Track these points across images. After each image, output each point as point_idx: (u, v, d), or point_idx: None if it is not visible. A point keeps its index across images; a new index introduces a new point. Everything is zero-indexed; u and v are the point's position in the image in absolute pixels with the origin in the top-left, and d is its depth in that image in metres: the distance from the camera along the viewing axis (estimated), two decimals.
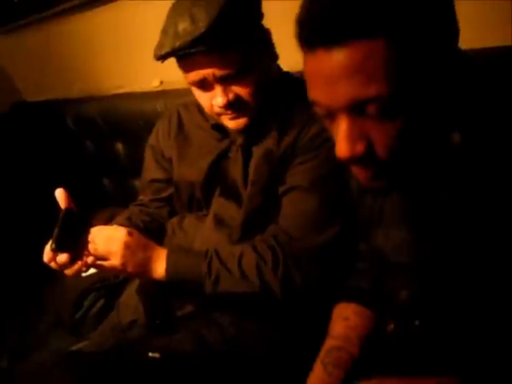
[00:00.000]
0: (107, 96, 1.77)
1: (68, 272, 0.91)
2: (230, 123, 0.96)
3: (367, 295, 0.89)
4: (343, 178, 0.93)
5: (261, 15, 0.92)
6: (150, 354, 0.88)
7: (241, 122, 0.95)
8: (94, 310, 1.35)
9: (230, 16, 0.83)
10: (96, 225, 0.96)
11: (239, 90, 0.90)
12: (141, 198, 1.23)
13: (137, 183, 1.70)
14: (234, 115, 0.94)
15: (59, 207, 0.90)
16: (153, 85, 1.73)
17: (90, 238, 0.91)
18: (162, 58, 0.87)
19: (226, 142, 1.04)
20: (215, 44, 0.83)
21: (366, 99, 0.50)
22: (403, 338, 0.80)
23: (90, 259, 0.89)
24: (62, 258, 0.87)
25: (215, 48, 0.84)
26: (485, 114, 0.60)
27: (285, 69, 1.06)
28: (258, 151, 0.98)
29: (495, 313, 0.65)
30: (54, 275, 1.03)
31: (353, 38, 0.49)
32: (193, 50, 0.83)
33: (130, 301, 1.09)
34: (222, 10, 0.82)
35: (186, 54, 0.85)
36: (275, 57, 0.98)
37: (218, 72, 0.87)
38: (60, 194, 0.91)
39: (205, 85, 0.91)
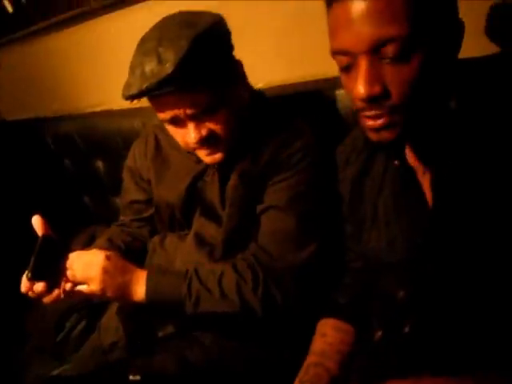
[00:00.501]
0: (85, 114, 1.76)
1: (46, 300, 0.90)
2: (206, 158, 0.96)
3: (346, 310, 0.90)
4: (325, 192, 0.94)
5: (230, 48, 0.92)
6: (131, 377, 0.88)
7: (217, 157, 0.95)
8: (76, 331, 1.33)
9: (197, 55, 0.83)
10: (76, 248, 0.96)
11: (212, 125, 0.90)
12: (122, 218, 1.24)
13: (118, 201, 1.69)
14: (209, 151, 0.94)
15: (36, 234, 0.89)
16: (131, 102, 1.72)
17: (68, 264, 0.91)
18: (130, 98, 0.87)
19: (202, 164, 1.04)
20: (183, 84, 0.83)
21: (388, 38, 0.56)
22: (391, 345, 0.80)
23: (67, 286, 0.89)
24: (39, 286, 0.87)
25: (183, 88, 0.84)
26: (480, 85, 0.65)
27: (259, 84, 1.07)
28: (234, 173, 0.99)
29: (490, 313, 0.66)
30: (35, 300, 1.02)
31: None
32: (160, 92, 0.83)
33: (110, 322, 1.09)
34: (189, 49, 0.81)
35: (153, 96, 0.85)
36: (247, 86, 0.99)
37: (188, 110, 0.87)
38: (36, 221, 0.90)
39: (177, 122, 0.90)
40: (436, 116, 0.67)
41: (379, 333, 0.83)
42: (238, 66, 0.95)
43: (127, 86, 0.86)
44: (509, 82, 0.66)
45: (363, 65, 0.59)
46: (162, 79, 0.80)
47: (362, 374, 0.80)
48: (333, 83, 1.06)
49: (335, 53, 0.63)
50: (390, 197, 0.78)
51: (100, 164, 1.73)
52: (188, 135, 0.90)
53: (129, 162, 1.19)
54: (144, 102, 1.66)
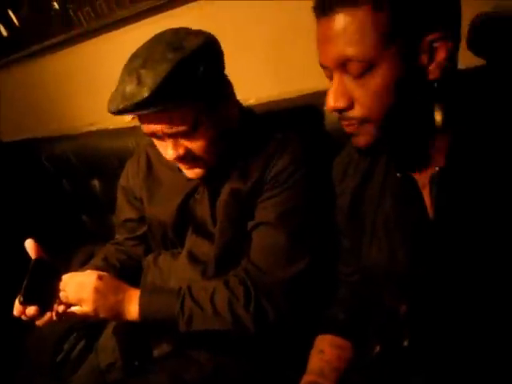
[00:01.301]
0: (80, 134, 1.77)
1: (39, 323, 0.90)
2: (187, 172, 0.98)
3: (343, 325, 0.89)
4: (317, 206, 0.95)
5: (220, 68, 0.93)
6: None
7: (197, 171, 0.96)
8: (75, 352, 1.33)
9: (178, 80, 0.83)
10: (75, 267, 0.96)
11: (190, 144, 0.91)
12: (116, 236, 1.24)
13: (115, 219, 1.70)
14: (188, 166, 0.95)
15: (30, 258, 0.90)
16: (125, 120, 1.74)
17: (61, 285, 0.91)
18: (111, 113, 0.88)
19: (193, 182, 1.05)
20: (160, 107, 0.84)
21: (347, 58, 0.63)
22: (390, 359, 0.80)
23: (60, 308, 0.89)
24: (31, 310, 0.87)
25: (160, 111, 0.85)
26: (467, 96, 0.68)
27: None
28: (224, 190, 0.99)
29: (491, 325, 0.67)
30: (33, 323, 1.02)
31: (341, 6, 0.61)
32: (136, 113, 0.85)
33: (107, 343, 1.09)
34: (169, 74, 0.82)
35: (132, 114, 0.86)
36: (236, 105, 1.00)
37: (166, 130, 0.88)
38: (29, 244, 0.91)
39: (157, 137, 0.92)
40: (421, 128, 0.69)
41: (377, 347, 0.83)
42: (227, 86, 0.96)
43: (111, 101, 0.87)
44: (496, 93, 0.67)
45: (334, 80, 0.66)
46: (138, 102, 0.82)
47: None
48: (321, 98, 1.07)
49: (320, 65, 0.69)
50: (391, 208, 0.78)
51: (96, 183, 1.74)
52: (166, 151, 0.92)
53: (122, 181, 1.20)
54: (137, 121, 1.69)
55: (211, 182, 1.01)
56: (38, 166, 1.87)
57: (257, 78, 1.10)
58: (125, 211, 1.19)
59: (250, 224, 0.97)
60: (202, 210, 1.03)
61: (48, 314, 0.90)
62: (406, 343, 0.77)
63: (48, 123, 2.03)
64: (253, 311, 0.89)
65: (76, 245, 1.82)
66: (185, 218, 1.05)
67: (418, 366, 0.76)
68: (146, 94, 0.81)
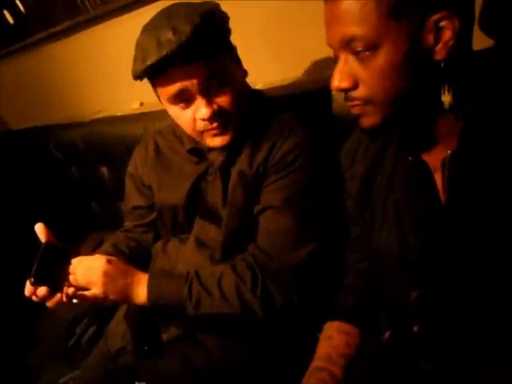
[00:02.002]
0: (88, 121, 1.77)
1: (49, 304, 0.92)
2: (215, 140, 0.96)
3: (352, 312, 0.89)
4: (324, 190, 0.94)
5: (230, 31, 0.94)
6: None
7: (226, 138, 0.96)
8: (87, 336, 1.35)
9: (208, 26, 0.86)
10: (84, 253, 0.98)
11: (222, 100, 0.91)
12: (126, 224, 1.25)
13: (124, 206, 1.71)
14: (219, 130, 0.94)
15: (40, 243, 0.91)
16: (133, 107, 1.74)
17: (71, 269, 0.92)
18: (147, 70, 0.86)
19: (203, 165, 1.05)
20: (197, 50, 0.85)
21: (350, 37, 0.62)
22: (400, 345, 0.80)
23: (70, 290, 0.90)
24: (42, 290, 0.89)
25: (198, 54, 0.85)
26: (479, 77, 0.67)
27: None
28: (234, 172, 0.99)
29: (501, 311, 0.66)
30: (44, 306, 1.04)
31: None
32: (174, 62, 0.84)
33: (117, 328, 1.10)
34: (201, 21, 0.85)
35: (168, 66, 0.85)
36: (245, 73, 1.00)
37: (200, 79, 0.87)
38: (39, 228, 0.92)
39: (186, 99, 0.91)
40: (429, 110, 0.68)
41: (388, 333, 0.83)
42: (235, 50, 0.98)
43: (141, 60, 0.87)
44: (509, 75, 0.66)
45: (339, 59, 0.66)
46: (182, 43, 0.82)
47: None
48: (328, 82, 1.06)
49: (328, 45, 0.69)
50: (401, 193, 0.77)
51: (105, 170, 1.74)
52: (198, 111, 0.91)
53: (130, 168, 1.21)
54: (146, 107, 1.69)
55: (222, 163, 1.01)
56: (46, 153, 1.88)
57: (257, 63, 1.09)
58: (133, 198, 1.19)
59: (257, 208, 0.97)
60: (214, 192, 1.02)
61: (58, 296, 0.91)
62: (416, 329, 0.77)
63: (56, 111, 2.04)
64: (260, 295, 0.89)
65: (85, 232, 1.84)
66: (195, 201, 1.05)
67: (428, 351, 0.76)
68: (185, 38, 0.82)
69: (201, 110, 0.90)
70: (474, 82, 0.66)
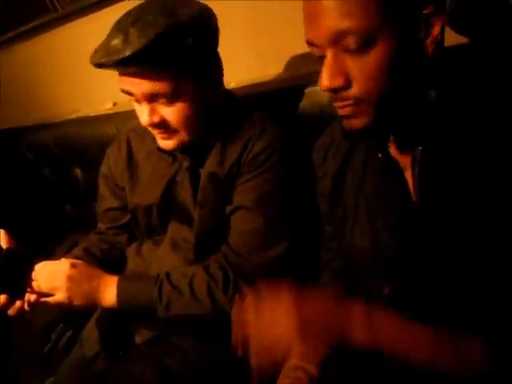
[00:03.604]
0: (60, 122, 1.74)
1: (10, 312, 0.90)
2: (161, 142, 0.96)
3: None
4: (296, 190, 0.94)
5: (212, 44, 0.91)
6: None
7: (168, 143, 0.95)
8: (63, 341, 1.33)
9: (165, 44, 0.82)
10: (56, 256, 0.96)
11: (166, 113, 0.89)
12: (99, 226, 1.23)
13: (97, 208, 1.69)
14: (161, 135, 0.93)
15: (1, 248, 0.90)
16: (106, 107, 1.71)
17: (34, 275, 0.91)
18: (93, 64, 0.86)
19: (175, 166, 1.04)
20: (139, 69, 0.83)
21: (345, 31, 0.57)
22: None
23: (32, 297, 0.88)
24: (1, 298, 0.87)
25: (140, 73, 0.84)
26: (459, 75, 0.65)
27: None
28: (203, 173, 0.98)
29: (474, 308, 0.66)
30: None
31: None
32: (117, 68, 0.84)
33: (92, 333, 1.08)
34: (157, 37, 0.80)
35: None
36: (221, 84, 0.98)
37: (144, 91, 0.86)
38: (0, 234, 0.91)
39: (135, 97, 0.90)
40: (415, 107, 0.66)
41: None
42: (217, 63, 0.95)
43: (94, 52, 0.86)
44: (480, 72, 0.66)
45: (327, 57, 0.61)
46: (118, 59, 0.81)
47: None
48: (302, 80, 1.06)
49: (308, 43, 0.64)
50: (373, 191, 0.77)
51: (78, 171, 1.72)
52: (141, 115, 0.90)
53: (103, 169, 1.18)
54: (120, 107, 1.66)
55: (191, 164, 0.99)
56: (19, 155, 1.85)
57: (236, 59, 1.08)
58: (107, 200, 1.17)
59: (228, 208, 0.96)
60: (184, 193, 1.01)
61: (19, 303, 0.89)
62: None
63: (28, 112, 2.00)
64: (231, 295, 0.88)
65: (61, 234, 1.81)
66: (168, 202, 1.04)
67: None
68: (128, 52, 0.80)
69: (142, 115, 0.90)
70: (447, 78, 0.66)
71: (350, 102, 0.62)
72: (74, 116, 1.76)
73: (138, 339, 1.00)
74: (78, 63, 1.71)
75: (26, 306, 0.89)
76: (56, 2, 1.56)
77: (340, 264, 0.90)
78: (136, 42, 0.80)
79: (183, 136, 0.93)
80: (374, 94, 0.61)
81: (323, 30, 0.59)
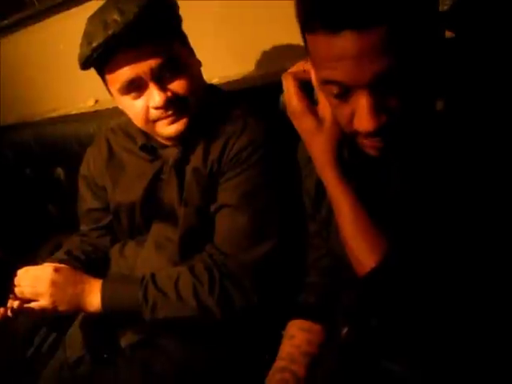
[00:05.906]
0: (40, 121, 1.71)
1: None
2: (169, 129, 0.93)
3: (314, 309, 0.88)
4: (281, 187, 0.92)
5: (180, 18, 0.93)
6: None
7: (180, 125, 0.92)
8: (46, 345, 1.31)
9: (156, 8, 0.84)
10: (40, 259, 0.94)
11: (176, 86, 0.89)
12: (81, 227, 1.20)
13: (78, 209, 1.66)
14: (173, 117, 0.91)
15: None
16: (88, 104, 1.68)
17: (16, 280, 0.88)
18: (93, 54, 0.83)
19: (158, 163, 1.02)
20: (146, 32, 0.83)
21: (387, 71, 0.54)
22: (359, 340, 0.80)
23: (15, 303, 0.86)
24: None
25: (146, 36, 0.83)
26: (466, 84, 0.64)
27: None
28: (189, 170, 0.97)
29: (455, 304, 0.65)
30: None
31: (377, 24, 0.52)
32: (126, 40, 0.82)
33: (75, 337, 1.06)
34: (147, 2, 0.83)
35: (116, 49, 0.83)
36: (199, 63, 0.98)
37: (153, 64, 0.85)
38: None
39: (137, 87, 0.88)
40: (421, 120, 0.65)
41: (345, 329, 0.82)
42: (187, 38, 0.96)
43: (86, 44, 0.84)
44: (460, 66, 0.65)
45: (365, 99, 0.57)
46: (127, 23, 0.80)
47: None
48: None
49: (326, 82, 0.60)
50: (356, 191, 0.75)
51: (60, 171, 1.68)
52: (152, 99, 0.88)
53: (82, 170, 1.16)
54: (102, 104, 1.63)
55: (177, 161, 0.98)
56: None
57: (210, 56, 1.07)
58: (88, 201, 1.15)
59: (213, 206, 0.94)
60: (170, 191, 0.99)
61: (1, 310, 0.86)
62: (374, 322, 0.77)
63: (7, 111, 1.94)
64: (217, 296, 0.87)
65: (43, 236, 1.78)
66: (151, 201, 1.02)
67: (389, 348, 0.76)
68: (132, 17, 0.80)
69: (154, 97, 0.87)
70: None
71: (387, 136, 0.61)
72: (54, 114, 1.73)
73: (123, 342, 0.98)
74: (57, 60, 1.69)
75: (9, 313, 0.87)
76: None
77: (327, 263, 0.89)
78: (133, 8, 0.81)
79: (191, 111, 0.92)
80: (405, 118, 0.60)
81: (368, 72, 0.55)
